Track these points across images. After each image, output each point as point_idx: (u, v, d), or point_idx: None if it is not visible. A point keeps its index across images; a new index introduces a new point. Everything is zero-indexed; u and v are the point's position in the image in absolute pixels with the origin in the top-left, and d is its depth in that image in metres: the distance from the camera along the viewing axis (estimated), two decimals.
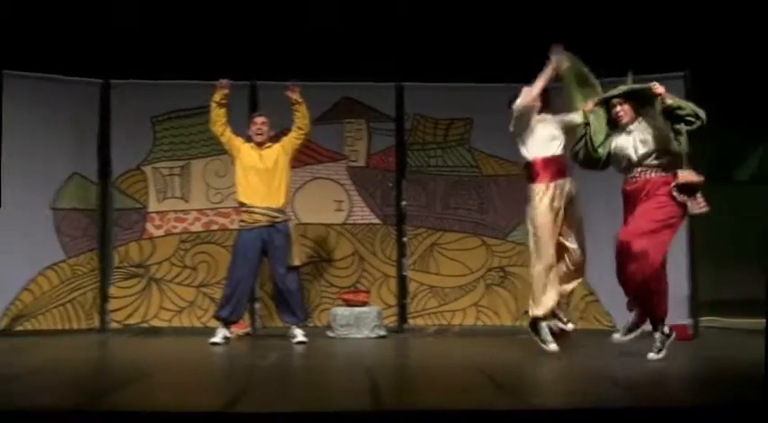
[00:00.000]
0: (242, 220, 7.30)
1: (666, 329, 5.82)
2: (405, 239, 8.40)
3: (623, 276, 5.77)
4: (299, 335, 7.16)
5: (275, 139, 7.39)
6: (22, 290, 7.86)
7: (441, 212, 8.39)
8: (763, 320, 4.84)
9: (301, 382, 5.21)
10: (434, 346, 6.37)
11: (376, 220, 8.40)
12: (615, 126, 5.94)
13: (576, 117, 6.20)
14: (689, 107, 5.72)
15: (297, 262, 7.24)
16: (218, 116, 7.28)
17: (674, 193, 5.70)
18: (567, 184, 6.31)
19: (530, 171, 6.34)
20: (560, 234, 6.30)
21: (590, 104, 6.05)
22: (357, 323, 7.70)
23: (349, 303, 7.86)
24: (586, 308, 8.00)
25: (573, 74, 6.24)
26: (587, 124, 5.99)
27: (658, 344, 5.78)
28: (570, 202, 6.31)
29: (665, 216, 5.72)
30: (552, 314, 6.26)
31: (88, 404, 4.15)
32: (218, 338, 7.05)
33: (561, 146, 6.32)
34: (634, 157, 5.83)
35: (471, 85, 8.17)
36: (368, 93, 8.43)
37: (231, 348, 6.93)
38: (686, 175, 5.74)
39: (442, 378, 5.37)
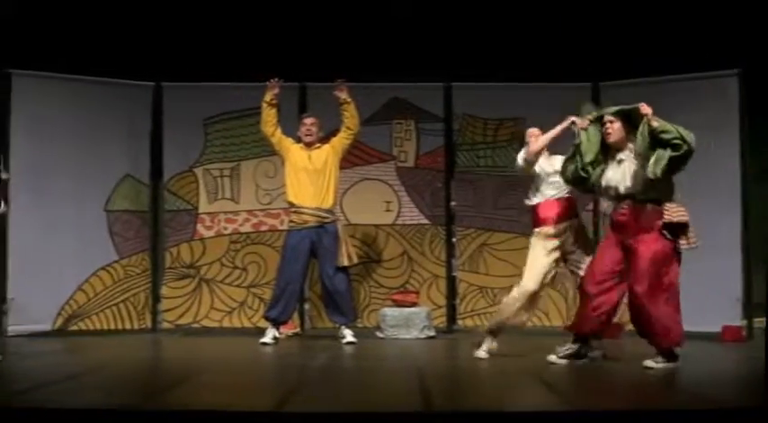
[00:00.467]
0: (291, 221, 7.33)
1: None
2: (454, 240, 8.37)
3: (642, 329, 5.67)
4: (348, 335, 7.17)
5: (325, 139, 7.41)
6: (75, 290, 7.97)
7: (490, 213, 8.35)
8: None
9: (351, 382, 5.22)
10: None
11: (425, 221, 8.39)
12: (608, 147, 5.80)
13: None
14: (675, 131, 5.49)
15: (345, 262, 7.24)
16: (268, 117, 7.31)
17: (664, 233, 5.57)
18: (573, 227, 6.23)
19: (533, 215, 6.30)
20: (570, 265, 6.26)
21: (584, 122, 5.87)
22: (406, 324, 7.69)
23: (398, 304, 7.85)
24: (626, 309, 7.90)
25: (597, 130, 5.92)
26: (579, 144, 5.87)
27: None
28: (576, 241, 6.23)
29: (666, 257, 5.57)
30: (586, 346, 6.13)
31: (140, 403, 4.20)
32: (267, 339, 7.09)
33: (566, 189, 6.21)
34: (622, 190, 5.68)
35: (520, 84, 8.13)
36: (417, 93, 8.42)
37: (281, 349, 6.96)
38: (672, 215, 5.56)
39: (491, 379, 5.36)
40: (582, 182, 5.89)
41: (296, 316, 7.89)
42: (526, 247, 8.24)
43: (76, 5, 7.97)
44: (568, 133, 6.03)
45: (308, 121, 7.37)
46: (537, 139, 6.27)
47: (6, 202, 6.00)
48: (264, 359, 6.49)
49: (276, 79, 7.29)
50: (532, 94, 8.10)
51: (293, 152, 7.32)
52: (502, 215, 8.36)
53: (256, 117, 7.50)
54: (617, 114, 5.72)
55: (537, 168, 6.26)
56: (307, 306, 8.23)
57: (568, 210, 6.25)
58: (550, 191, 6.24)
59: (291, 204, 7.32)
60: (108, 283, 8.09)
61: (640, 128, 5.58)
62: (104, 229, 8.10)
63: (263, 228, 8.37)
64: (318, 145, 7.34)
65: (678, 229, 5.58)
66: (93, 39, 8.06)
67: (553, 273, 6.19)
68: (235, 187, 8.41)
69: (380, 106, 8.41)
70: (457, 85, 8.34)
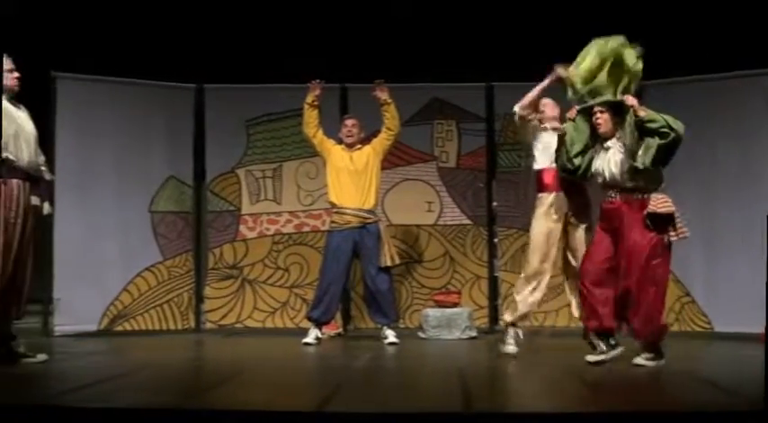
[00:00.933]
0: (333, 222, 7.35)
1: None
2: (496, 240, 8.35)
3: (626, 320, 5.66)
4: (390, 336, 7.17)
5: (366, 140, 7.43)
6: (121, 291, 8.05)
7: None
8: None
9: (392, 383, 5.22)
10: (526, 348, 6.32)
11: (467, 221, 8.38)
12: (597, 136, 5.79)
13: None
14: (662, 119, 5.50)
15: (388, 262, 7.24)
16: (310, 118, 7.34)
17: (647, 223, 5.54)
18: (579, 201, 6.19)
19: (537, 180, 6.29)
20: (567, 249, 6.22)
21: (572, 111, 5.87)
22: (448, 324, 7.67)
23: (440, 304, 7.85)
24: (682, 309, 7.83)
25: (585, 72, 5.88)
26: (564, 134, 5.85)
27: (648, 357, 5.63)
28: (579, 218, 6.19)
29: (655, 250, 5.55)
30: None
31: (184, 403, 4.23)
32: (310, 339, 7.11)
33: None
34: (607, 178, 5.68)
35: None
36: (458, 93, 8.41)
37: (323, 349, 6.98)
38: (656, 206, 5.54)
39: (533, 380, 5.33)
40: (571, 172, 5.88)
41: (338, 316, 7.91)
42: None
43: (121, 9, 8.06)
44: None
45: (349, 122, 7.39)
46: (551, 108, 6.26)
47: (52, 204, 6.07)
48: (307, 359, 6.51)
49: (317, 81, 7.31)
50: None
51: (334, 153, 7.34)
52: None
53: (298, 118, 7.53)
54: (605, 105, 5.71)
55: (537, 135, 6.25)
56: (349, 306, 8.26)
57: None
58: (546, 159, 6.20)
59: (333, 205, 7.34)
60: (152, 284, 8.17)
61: (627, 119, 5.57)
62: (149, 229, 8.18)
63: (305, 228, 8.40)
64: (359, 146, 7.36)
65: (664, 221, 5.54)
66: (137, 42, 8.15)
67: (559, 253, 6.17)
68: (277, 188, 8.46)
69: (421, 107, 8.41)
70: (498, 85, 8.31)
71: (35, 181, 5.72)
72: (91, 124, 7.98)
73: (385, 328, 7.26)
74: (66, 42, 8.24)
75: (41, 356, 5.76)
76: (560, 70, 6.06)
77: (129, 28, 8.10)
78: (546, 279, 6.22)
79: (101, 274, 7.91)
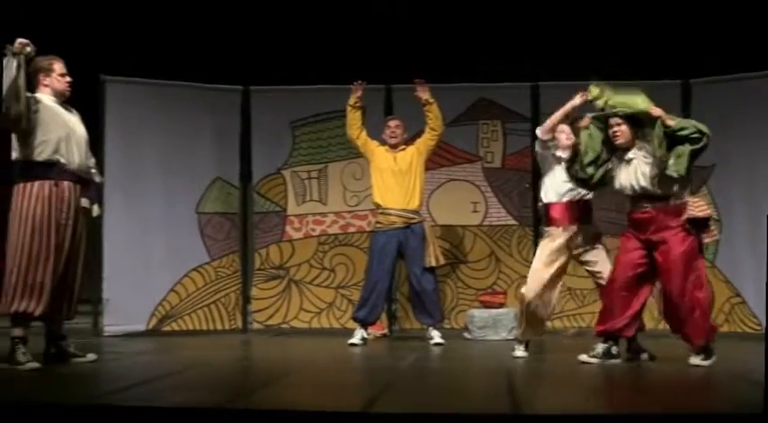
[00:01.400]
0: (378, 222, 7.36)
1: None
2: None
3: (676, 326, 5.68)
4: (436, 336, 7.16)
5: (410, 141, 7.43)
6: (168, 291, 8.13)
7: None
8: None
9: (438, 383, 5.22)
10: (573, 349, 6.28)
11: (512, 222, 8.34)
12: (613, 146, 5.72)
13: None
14: (691, 125, 5.46)
15: (433, 263, 7.24)
16: (353, 119, 7.36)
17: (687, 228, 5.52)
18: (582, 231, 6.17)
19: (545, 213, 6.29)
20: (583, 264, 6.28)
21: (585, 120, 5.82)
22: (494, 325, 7.65)
23: (486, 305, 7.82)
24: (732, 310, 7.74)
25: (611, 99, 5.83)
26: (578, 144, 5.80)
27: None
28: (587, 248, 6.19)
29: (691, 255, 5.54)
30: (636, 347, 6.06)
31: (230, 402, 4.26)
32: (355, 339, 7.12)
33: (582, 191, 6.15)
34: (638, 190, 5.62)
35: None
36: (504, 93, 8.38)
37: (368, 349, 6.99)
38: (694, 210, 5.52)
39: (581, 381, 5.30)
40: (584, 182, 5.86)
41: (384, 317, 7.92)
42: (617, 248, 8.14)
43: (168, 13, 8.14)
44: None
45: (393, 123, 7.40)
46: (567, 136, 6.20)
47: (101, 205, 6.15)
48: (352, 360, 6.52)
49: (359, 82, 7.33)
50: None
51: (378, 154, 7.35)
52: None
53: (343, 119, 7.54)
54: (622, 116, 5.64)
55: (552, 166, 6.23)
56: (394, 307, 8.26)
57: (581, 214, 6.18)
58: (565, 193, 6.19)
59: (378, 206, 7.35)
60: (199, 284, 8.24)
61: (655, 130, 5.50)
62: (196, 230, 8.25)
63: (351, 229, 8.42)
64: (403, 146, 7.36)
65: (702, 224, 5.51)
66: (184, 45, 8.23)
67: (558, 284, 6.16)
68: (322, 189, 8.48)
69: (467, 107, 8.39)
70: (544, 85, 8.27)
71: (85, 183, 5.80)
72: (138, 126, 8.07)
73: (430, 328, 7.26)
74: (115, 46, 8.34)
75: (91, 356, 5.84)
76: (581, 97, 6.02)
77: (177, 31, 8.18)
78: (543, 307, 6.17)
79: (149, 274, 7.99)
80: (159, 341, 7.50)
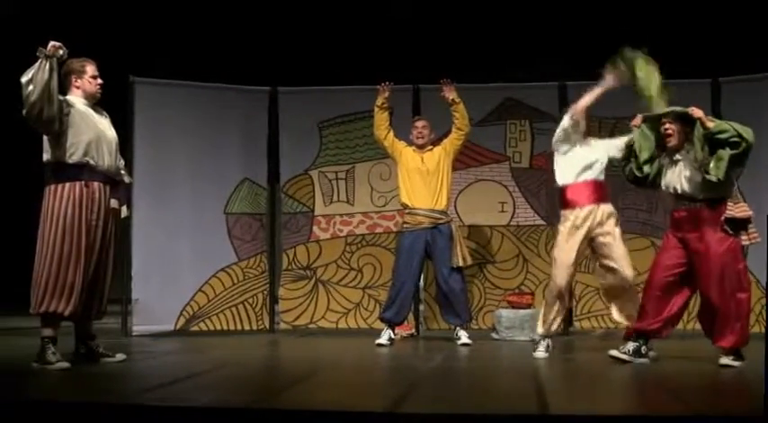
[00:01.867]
0: (405, 223, 7.36)
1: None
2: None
3: (711, 329, 5.65)
4: (463, 337, 7.15)
5: (437, 141, 7.42)
6: (196, 291, 8.17)
7: None
8: None
9: (466, 383, 5.21)
10: (601, 349, 6.25)
11: (540, 222, 8.32)
12: (665, 145, 5.72)
13: (626, 139, 6.05)
14: (731, 129, 5.41)
15: (460, 263, 7.23)
16: (380, 120, 7.36)
17: (726, 228, 5.49)
18: (600, 210, 6.19)
19: (561, 196, 6.32)
20: (601, 257, 6.26)
21: (638, 119, 5.84)
22: (522, 325, 7.63)
23: (513, 305, 7.80)
24: (762, 311, 7.67)
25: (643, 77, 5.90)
26: (632, 143, 5.81)
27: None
28: (604, 226, 6.19)
29: (734, 255, 5.53)
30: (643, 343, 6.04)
31: (260, 402, 4.27)
32: (383, 340, 7.13)
33: (598, 171, 6.22)
34: (680, 191, 5.64)
35: None
36: (531, 93, 8.35)
37: (396, 350, 6.99)
38: (733, 211, 5.49)
39: (608, 381, 5.27)
40: (641, 181, 5.89)
41: (411, 317, 7.91)
42: (646, 248, 8.12)
43: (196, 16, 8.19)
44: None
45: (420, 123, 7.40)
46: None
47: (129, 206, 6.18)
48: (380, 360, 6.52)
49: (386, 83, 7.34)
50: None
51: (406, 155, 7.35)
52: (622, 215, 8.18)
53: (370, 120, 7.55)
54: (672, 116, 5.63)
55: (572, 146, 6.25)
56: (422, 307, 8.26)
57: (598, 193, 6.21)
58: (582, 173, 6.21)
59: (405, 206, 7.35)
60: (227, 285, 8.27)
61: (695, 132, 5.47)
62: (224, 231, 8.28)
63: (378, 229, 8.43)
64: (431, 147, 7.36)
65: (740, 225, 5.48)
66: (211, 47, 8.28)
67: (580, 259, 6.27)
68: (350, 189, 8.49)
69: (495, 107, 8.37)
70: (572, 85, 8.22)
71: (115, 184, 5.84)
72: (167, 127, 8.12)
73: (458, 328, 7.25)
74: (143, 48, 8.40)
75: (120, 356, 5.88)
76: (612, 79, 6.03)
77: (205, 33, 8.23)
78: (568, 294, 6.31)
79: (177, 275, 8.03)
80: (187, 341, 7.53)
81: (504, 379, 5.42)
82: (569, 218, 6.25)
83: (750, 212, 5.56)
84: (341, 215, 8.48)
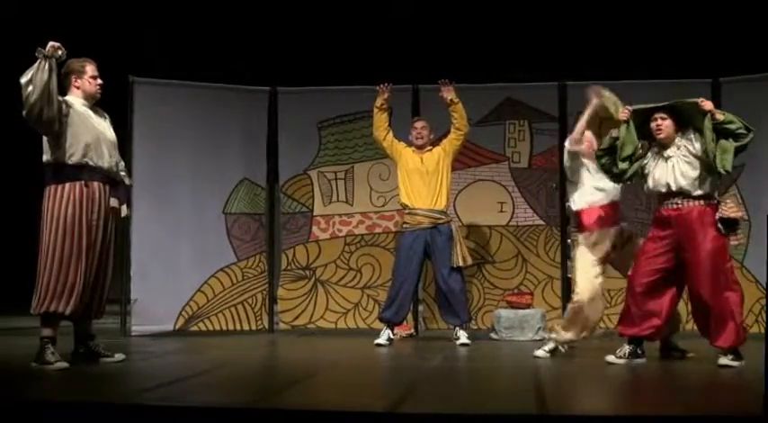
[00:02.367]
0: (405, 223, 7.36)
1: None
2: (569, 241, 8.25)
3: (705, 329, 5.67)
4: (462, 337, 7.15)
5: (436, 142, 7.43)
6: (196, 292, 8.16)
7: None
8: None
9: (465, 384, 5.21)
10: (600, 349, 6.25)
11: (539, 222, 8.32)
12: (648, 137, 5.70)
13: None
14: (738, 121, 5.42)
15: (460, 263, 7.23)
16: (380, 121, 7.37)
17: (719, 228, 5.49)
18: (613, 232, 6.19)
19: (578, 220, 6.33)
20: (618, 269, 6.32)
21: (625, 112, 5.79)
22: (521, 325, 7.63)
23: (513, 305, 7.80)
24: (761, 311, 7.67)
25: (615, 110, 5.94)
26: (617, 137, 5.79)
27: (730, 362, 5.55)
28: (621, 247, 6.21)
29: (720, 255, 5.52)
30: (669, 346, 6.08)
31: (259, 402, 4.27)
32: (382, 340, 7.13)
33: (610, 195, 6.20)
34: (673, 188, 5.60)
35: (637, 82, 7.96)
36: (530, 93, 8.35)
37: (395, 350, 6.99)
38: (728, 210, 5.49)
39: (608, 381, 5.27)
40: (616, 176, 5.86)
41: (410, 317, 7.91)
42: None
43: (195, 15, 8.19)
44: None
45: (419, 124, 7.40)
46: (591, 143, 6.26)
47: (129, 207, 6.18)
48: (379, 360, 6.52)
49: (385, 84, 7.34)
50: (649, 91, 7.91)
51: (405, 155, 7.35)
52: None
53: (370, 120, 7.55)
54: (667, 110, 5.61)
55: (583, 169, 6.24)
56: (421, 307, 8.26)
57: (612, 216, 6.20)
58: (595, 196, 6.21)
59: (405, 206, 7.35)
60: (226, 285, 8.27)
61: (705, 124, 5.45)
62: (223, 231, 8.28)
63: (377, 229, 8.43)
64: (430, 147, 7.36)
65: (732, 225, 5.48)
66: (211, 47, 8.27)
67: (602, 279, 6.22)
68: (349, 189, 8.49)
69: (494, 107, 8.37)
70: (571, 84, 8.23)
71: (114, 184, 5.83)
72: (166, 127, 8.11)
73: (457, 328, 7.25)
74: (142, 47, 8.40)
75: (119, 356, 5.88)
76: (596, 95, 6.05)
77: (205, 33, 8.22)
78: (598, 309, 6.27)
79: (176, 275, 8.03)
80: (186, 341, 7.53)
81: (504, 379, 5.42)
82: (589, 240, 6.23)
83: (741, 213, 5.56)
84: (340, 215, 8.48)
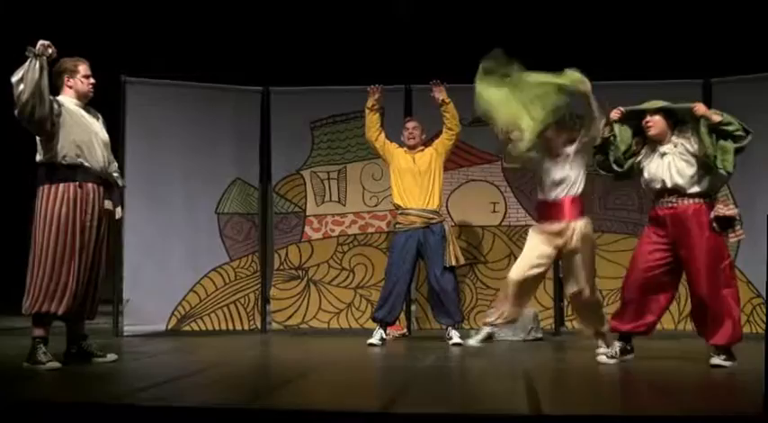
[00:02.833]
0: (397, 223, 7.37)
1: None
2: None
3: (703, 327, 5.67)
4: (455, 337, 7.16)
5: (429, 142, 7.43)
6: (188, 291, 8.16)
7: (599, 213, 8.21)
8: None
9: (458, 384, 5.22)
10: (592, 349, 6.26)
11: (532, 222, 8.29)
12: (640, 135, 5.73)
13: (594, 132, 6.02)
14: (736, 122, 5.42)
15: (453, 262, 7.23)
16: (372, 122, 7.38)
17: (714, 226, 5.50)
18: (570, 228, 6.18)
19: (538, 210, 6.46)
20: (565, 275, 6.38)
21: (617, 112, 5.81)
22: (513, 325, 7.63)
23: None
24: (753, 311, 7.70)
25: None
26: (614, 135, 5.81)
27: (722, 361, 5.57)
28: (574, 245, 6.19)
29: (720, 252, 5.54)
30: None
31: (252, 402, 4.27)
32: (374, 340, 7.13)
33: (568, 189, 6.20)
34: (669, 185, 5.60)
35: (627, 82, 7.97)
36: None
37: (387, 350, 6.99)
38: (722, 210, 5.50)
39: (599, 381, 5.28)
40: (619, 174, 5.89)
41: (402, 317, 7.91)
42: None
43: (188, 15, 8.19)
44: None
45: (410, 125, 7.41)
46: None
47: (122, 208, 6.17)
48: (371, 360, 6.52)
49: (376, 85, 7.35)
50: (640, 91, 7.91)
51: (397, 156, 7.36)
52: (611, 216, 8.23)
53: (362, 120, 7.56)
54: (658, 111, 5.64)
55: (544, 165, 6.29)
56: (413, 307, 8.26)
57: (573, 210, 6.20)
58: (558, 189, 6.23)
59: (398, 207, 7.36)
60: (219, 285, 8.26)
61: (701, 128, 5.46)
62: (216, 231, 8.28)
63: (370, 229, 8.43)
64: (422, 148, 7.37)
65: (728, 223, 5.49)
66: (204, 46, 8.27)
67: (541, 270, 6.30)
68: (342, 190, 8.50)
69: None
70: None
71: (108, 185, 5.83)
72: (159, 127, 8.10)
73: (449, 328, 7.25)
74: (134, 47, 8.38)
75: (112, 356, 5.87)
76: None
77: (197, 33, 8.22)
78: (526, 296, 6.43)
79: (168, 275, 8.02)
80: (179, 341, 7.52)
81: (496, 379, 5.41)
82: (545, 231, 6.30)
83: (736, 210, 5.57)
84: (333, 215, 8.48)
